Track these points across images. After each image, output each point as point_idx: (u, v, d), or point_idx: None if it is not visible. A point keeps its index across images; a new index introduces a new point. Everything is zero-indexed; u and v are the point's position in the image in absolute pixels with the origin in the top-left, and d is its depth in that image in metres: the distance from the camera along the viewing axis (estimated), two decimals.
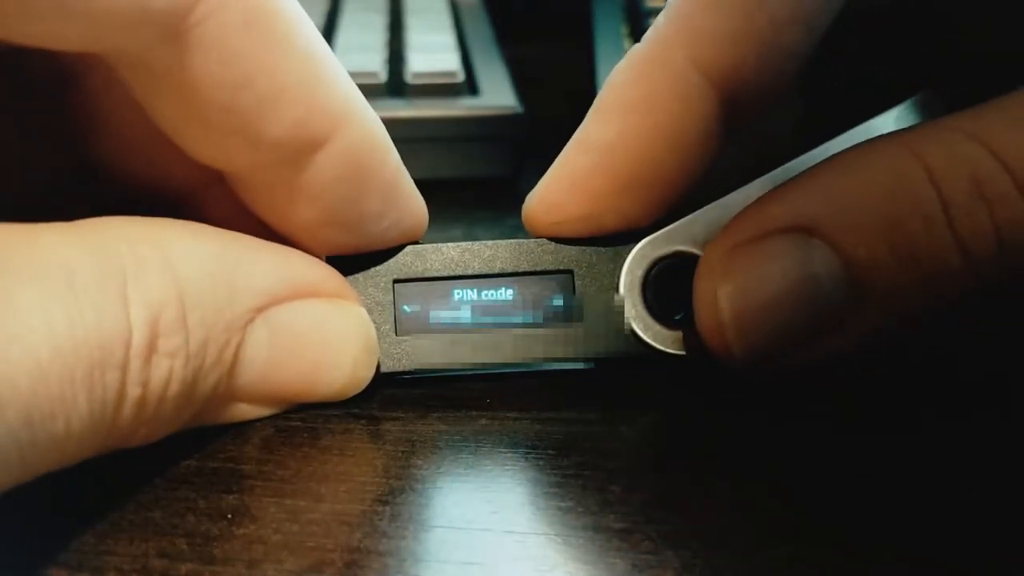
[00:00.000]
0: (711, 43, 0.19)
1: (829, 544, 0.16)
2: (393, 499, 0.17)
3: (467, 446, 0.19)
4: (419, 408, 0.20)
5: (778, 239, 0.18)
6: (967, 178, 0.17)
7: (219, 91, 0.16)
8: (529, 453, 0.18)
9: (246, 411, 0.19)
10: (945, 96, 0.21)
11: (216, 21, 0.16)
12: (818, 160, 0.19)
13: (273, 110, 0.17)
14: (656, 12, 0.36)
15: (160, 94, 0.17)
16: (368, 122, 0.18)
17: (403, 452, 0.19)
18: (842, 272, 0.17)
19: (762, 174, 0.20)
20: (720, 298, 0.18)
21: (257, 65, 0.17)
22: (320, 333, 0.19)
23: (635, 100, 0.19)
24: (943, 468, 0.18)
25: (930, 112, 0.21)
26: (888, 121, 0.20)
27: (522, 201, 0.21)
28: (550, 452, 0.18)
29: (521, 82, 0.35)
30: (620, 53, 0.35)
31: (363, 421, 0.20)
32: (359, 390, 0.20)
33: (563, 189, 0.20)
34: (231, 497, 0.17)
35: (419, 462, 0.18)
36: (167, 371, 0.16)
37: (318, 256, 0.20)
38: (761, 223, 0.18)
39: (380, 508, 0.17)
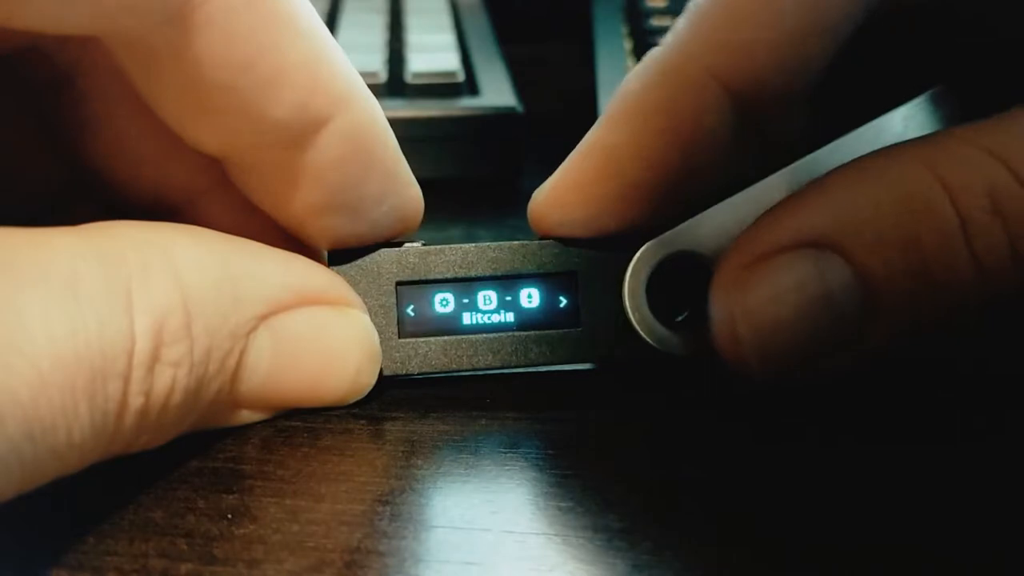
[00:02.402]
0: (730, 53, 0.19)
1: (829, 544, 0.16)
2: (393, 499, 0.17)
3: (467, 446, 0.19)
4: (419, 408, 0.20)
5: (794, 254, 0.18)
6: (984, 195, 0.17)
7: (222, 71, 0.16)
8: (529, 453, 0.18)
9: (248, 416, 0.19)
10: (954, 95, 0.21)
11: (220, 1, 0.16)
12: (825, 161, 0.19)
13: (276, 90, 0.17)
14: (656, 12, 0.37)
15: (161, 78, 0.17)
16: (369, 103, 0.19)
17: (403, 452, 0.19)
18: (857, 286, 0.17)
19: (767, 174, 0.20)
20: (738, 314, 0.18)
21: (260, 45, 0.17)
22: (323, 341, 0.19)
23: (649, 106, 0.19)
24: (943, 471, 0.18)
25: (938, 111, 0.20)
26: (895, 120, 0.20)
27: (522, 201, 0.21)
28: (550, 452, 0.18)
29: (521, 82, 0.35)
30: (620, 53, 0.36)
31: (363, 421, 0.20)
32: (361, 396, 0.20)
33: (570, 190, 0.20)
34: (231, 497, 0.17)
35: (419, 462, 0.18)
36: (170, 380, 0.16)
37: (321, 247, 0.20)
38: (776, 238, 0.18)
39: (380, 508, 0.17)
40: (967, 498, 0.17)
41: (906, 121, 0.20)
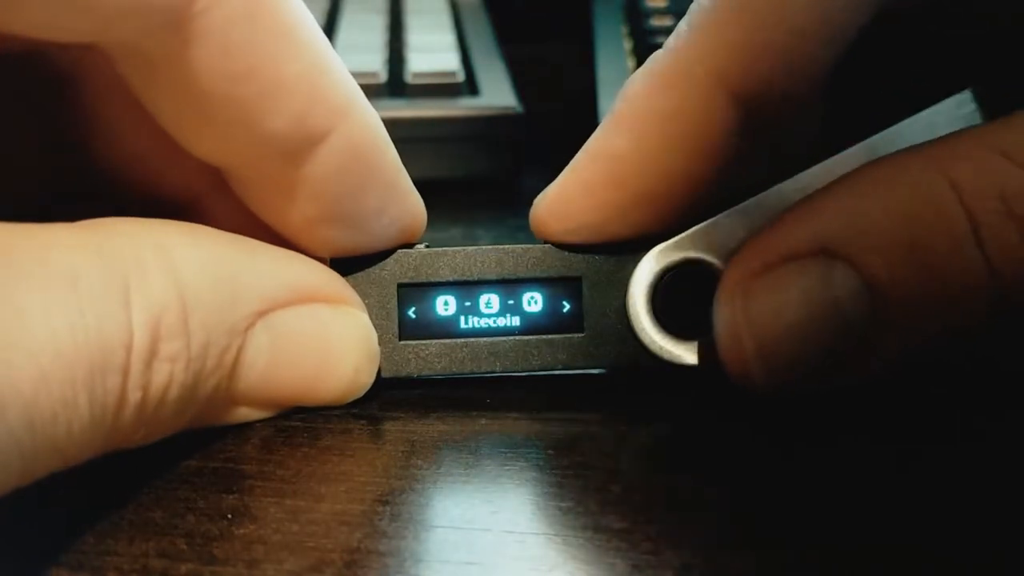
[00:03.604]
0: (735, 56, 0.18)
1: (829, 544, 0.16)
2: (393, 499, 0.17)
3: (467, 446, 0.19)
4: (419, 408, 0.20)
5: (800, 264, 0.17)
6: (996, 197, 0.16)
7: (221, 82, 0.16)
8: (529, 453, 0.18)
9: (246, 414, 0.19)
10: (980, 99, 0.20)
11: (219, 11, 0.16)
12: (838, 167, 0.19)
13: (275, 102, 0.17)
14: (656, 12, 0.37)
15: (161, 87, 0.17)
16: (368, 116, 0.18)
17: (403, 452, 0.19)
18: (864, 294, 0.17)
19: (778, 180, 0.20)
20: (742, 325, 0.18)
21: (260, 56, 0.16)
22: (321, 338, 0.19)
23: (653, 112, 0.19)
24: (943, 471, 0.18)
25: (962, 117, 0.20)
26: (917, 126, 0.19)
27: (522, 201, 0.21)
28: (550, 452, 0.18)
29: (521, 82, 0.35)
30: (620, 53, 0.36)
31: (363, 421, 0.20)
32: (359, 395, 0.20)
33: (574, 197, 0.20)
34: (231, 497, 0.17)
35: (419, 462, 0.18)
36: (168, 375, 0.16)
37: (321, 258, 0.20)
38: (783, 246, 0.18)
39: (380, 508, 0.17)
40: (967, 498, 0.17)
41: (928, 128, 0.19)
